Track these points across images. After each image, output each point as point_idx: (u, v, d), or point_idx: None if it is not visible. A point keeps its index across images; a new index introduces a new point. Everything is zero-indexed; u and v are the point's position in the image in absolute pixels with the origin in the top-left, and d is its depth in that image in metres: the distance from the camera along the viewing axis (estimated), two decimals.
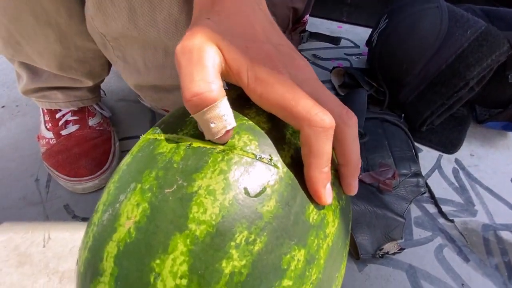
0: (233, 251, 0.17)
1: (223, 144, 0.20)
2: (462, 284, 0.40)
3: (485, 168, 0.55)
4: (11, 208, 0.45)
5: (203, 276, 0.16)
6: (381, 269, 0.41)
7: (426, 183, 0.50)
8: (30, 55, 0.41)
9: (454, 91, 0.50)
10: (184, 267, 0.16)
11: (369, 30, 0.80)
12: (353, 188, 0.21)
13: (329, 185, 0.20)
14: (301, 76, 0.19)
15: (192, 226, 0.17)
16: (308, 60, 0.80)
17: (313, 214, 0.20)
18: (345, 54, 0.84)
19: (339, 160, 0.21)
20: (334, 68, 0.71)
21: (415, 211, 0.48)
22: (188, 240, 0.17)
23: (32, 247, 0.41)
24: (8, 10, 0.35)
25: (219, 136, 0.18)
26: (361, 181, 0.46)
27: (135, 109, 0.62)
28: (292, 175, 0.20)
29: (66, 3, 0.38)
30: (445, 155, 0.56)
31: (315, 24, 0.95)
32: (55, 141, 0.48)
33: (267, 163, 0.19)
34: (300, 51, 0.83)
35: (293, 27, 0.72)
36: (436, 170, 0.54)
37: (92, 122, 0.50)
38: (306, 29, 0.81)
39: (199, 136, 0.20)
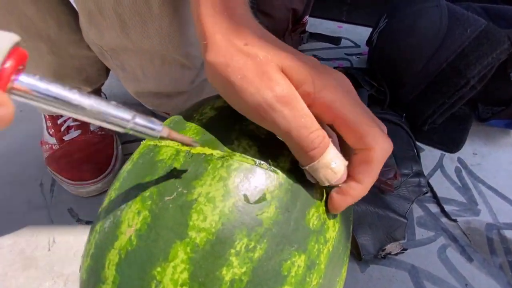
0: (233, 258, 0.17)
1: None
2: (466, 284, 0.40)
3: (488, 166, 0.54)
4: (16, 212, 0.46)
5: (204, 284, 0.17)
6: (384, 270, 0.41)
7: (428, 183, 0.50)
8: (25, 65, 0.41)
9: (455, 90, 0.50)
10: (185, 275, 0.17)
11: (370, 30, 0.79)
12: (343, 208, 0.20)
13: None
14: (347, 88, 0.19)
15: (192, 233, 0.17)
16: None
17: (313, 219, 0.20)
18: (345, 54, 0.83)
19: (356, 177, 0.20)
20: (334, 68, 0.71)
21: (417, 211, 0.47)
22: (188, 248, 0.17)
23: (37, 250, 0.42)
24: None
25: (341, 173, 0.18)
26: None
27: (136, 110, 0.62)
28: (291, 181, 0.20)
29: (54, 14, 0.38)
30: (447, 154, 0.56)
31: (314, 24, 0.95)
32: (58, 147, 0.48)
33: (267, 169, 0.19)
34: (300, 51, 0.83)
35: (293, 28, 0.72)
36: (439, 170, 0.53)
37: (93, 126, 0.51)
38: (306, 29, 0.81)
39: (199, 141, 0.20)
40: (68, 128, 0.49)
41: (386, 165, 0.47)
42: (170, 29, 0.35)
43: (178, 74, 0.42)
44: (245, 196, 0.18)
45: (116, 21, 0.34)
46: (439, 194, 0.49)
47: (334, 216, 0.21)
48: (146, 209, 0.18)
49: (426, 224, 0.46)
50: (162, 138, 0.17)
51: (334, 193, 0.20)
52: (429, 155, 0.56)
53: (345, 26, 0.96)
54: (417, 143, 0.55)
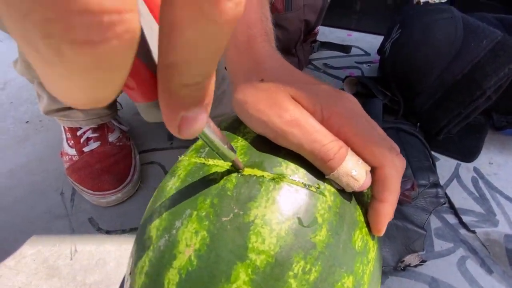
0: (292, 281, 0.17)
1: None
2: None
3: (505, 176, 0.54)
4: (38, 222, 0.47)
5: None
6: (403, 282, 0.41)
7: (446, 193, 0.49)
8: None
9: (471, 100, 0.50)
10: None
11: (379, 37, 0.80)
12: (382, 228, 0.21)
13: None
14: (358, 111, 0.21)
15: (252, 255, 0.17)
16: (319, 69, 0.81)
17: (358, 241, 0.20)
18: (356, 62, 0.84)
19: (377, 196, 0.21)
20: (346, 77, 0.71)
21: (435, 222, 0.47)
22: (249, 270, 0.17)
23: (59, 260, 0.42)
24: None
25: (363, 179, 0.19)
26: None
27: (152, 123, 0.64)
28: (338, 203, 0.20)
29: None
30: (463, 164, 0.56)
31: (324, 33, 0.96)
32: (77, 158, 0.50)
33: (316, 192, 0.20)
34: (311, 60, 0.84)
35: (305, 38, 0.72)
36: (455, 180, 0.53)
37: (112, 138, 0.52)
38: (316, 38, 0.82)
39: (248, 163, 0.21)
40: (88, 139, 0.51)
41: (403, 176, 0.47)
42: None
43: None
44: (299, 219, 0.19)
45: None
46: (456, 205, 0.49)
47: (373, 237, 0.22)
48: (203, 229, 0.18)
49: (444, 236, 0.46)
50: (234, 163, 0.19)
51: (370, 217, 0.21)
52: (445, 165, 0.55)
53: (355, 34, 0.97)
54: (433, 152, 0.55)
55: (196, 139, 0.20)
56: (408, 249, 0.41)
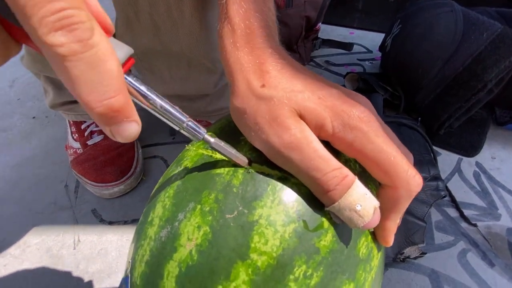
0: (292, 284, 0.17)
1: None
2: None
3: (508, 171, 0.54)
4: (43, 213, 0.48)
5: None
6: (403, 274, 0.41)
7: (447, 187, 0.49)
8: None
9: (472, 94, 0.50)
10: None
11: (381, 35, 0.80)
12: (389, 240, 0.20)
13: None
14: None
15: (254, 256, 0.17)
16: (321, 66, 0.81)
17: (362, 248, 0.20)
18: (358, 59, 0.84)
19: (383, 213, 0.19)
20: (347, 73, 0.71)
21: (436, 216, 0.47)
22: (250, 270, 0.17)
23: (63, 249, 0.43)
24: None
25: (369, 217, 0.17)
26: None
27: (155, 118, 0.64)
28: None
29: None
30: (465, 159, 0.55)
31: (326, 31, 0.96)
32: (82, 151, 0.51)
33: None
34: (312, 57, 0.84)
35: (306, 35, 0.73)
36: (456, 174, 0.53)
37: None
38: (318, 36, 0.82)
39: (256, 158, 0.20)
40: (91, 133, 0.52)
41: None
42: (199, 33, 0.38)
43: (203, 77, 0.44)
44: (305, 223, 0.18)
45: (150, 26, 0.36)
46: (457, 199, 0.49)
47: (378, 245, 0.21)
48: (206, 224, 0.18)
49: (445, 229, 0.45)
50: (213, 149, 0.18)
51: (376, 230, 0.20)
52: (446, 160, 0.55)
53: (357, 32, 0.97)
54: (434, 147, 0.55)
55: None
56: (408, 241, 0.41)
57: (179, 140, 0.60)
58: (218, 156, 0.21)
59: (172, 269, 0.18)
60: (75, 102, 0.49)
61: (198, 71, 0.43)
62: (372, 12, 0.96)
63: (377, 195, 0.18)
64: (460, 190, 0.50)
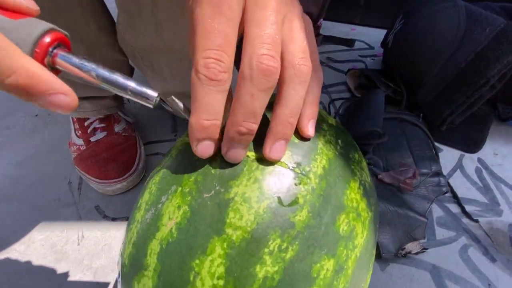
0: (267, 257, 0.18)
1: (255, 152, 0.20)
2: (489, 285, 0.40)
3: (510, 166, 0.53)
4: (47, 209, 0.48)
5: (239, 279, 0.18)
6: (404, 269, 0.41)
7: (448, 183, 0.49)
8: None
9: (475, 89, 0.49)
10: (221, 269, 0.18)
11: (383, 32, 0.80)
12: (274, 151, 0.19)
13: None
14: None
15: (229, 231, 0.18)
16: (322, 63, 0.81)
17: (343, 225, 0.20)
18: (359, 56, 0.84)
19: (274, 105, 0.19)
20: (349, 70, 0.71)
21: (437, 211, 0.47)
22: (225, 244, 0.18)
23: (67, 245, 0.44)
24: None
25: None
26: (381, 181, 0.46)
27: (157, 115, 0.65)
28: (324, 186, 0.20)
29: (97, 17, 0.41)
30: (467, 155, 0.55)
31: (328, 27, 0.96)
32: (85, 147, 0.51)
33: (300, 173, 0.20)
34: None
35: None
36: (458, 170, 0.53)
37: (117, 128, 0.53)
38: (320, 32, 0.82)
39: None
40: (94, 129, 0.52)
41: (404, 165, 0.47)
42: None
43: None
44: (279, 199, 0.19)
45: (152, 23, 0.36)
46: (459, 195, 0.49)
47: (364, 224, 0.22)
48: (186, 204, 0.19)
49: (446, 224, 0.46)
50: (163, 105, 0.19)
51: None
52: (448, 156, 0.55)
53: (359, 28, 0.97)
54: (436, 143, 0.55)
55: None
56: (409, 236, 0.41)
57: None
58: None
59: (154, 247, 0.19)
60: (79, 99, 0.49)
61: None
62: (374, 8, 0.96)
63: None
64: (462, 186, 0.50)
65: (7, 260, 0.42)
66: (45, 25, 0.15)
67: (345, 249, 0.20)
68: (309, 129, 0.21)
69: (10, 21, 0.14)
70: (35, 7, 0.15)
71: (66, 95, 0.15)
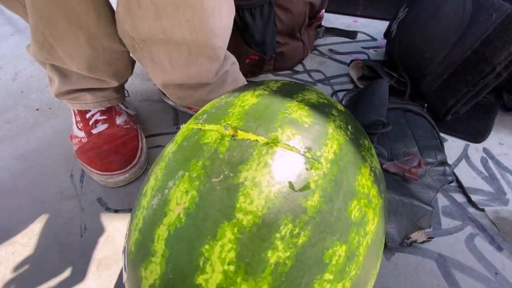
0: (278, 242, 0.17)
1: (266, 137, 0.20)
2: (496, 273, 0.39)
3: None
4: (49, 202, 0.48)
5: (250, 264, 0.17)
6: (410, 258, 0.41)
7: (453, 172, 0.49)
8: (62, 57, 0.43)
9: (481, 77, 0.49)
10: (232, 254, 0.17)
11: (385, 23, 0.79)
12: None
13: None
14: None
15: (239, 215, 0.18)
16: (324, 55, 0.80)
17: (355, 211, 0.20)
18: (362, 47, 0.83)
19: None
20: (352, 61, 0.70)
21: (442, 201, 0.47)
22: (235, 229, 0.17)
23: (70, 236, 0.44)
24: (43, 15, 0.38)
25: None
26: (385, 171, 0.46)
27: (158, 108, 0.64)
28: (335, 171, 0.20)
29: (96, 5, 0.40)
30: (472, 145, 0.55)
31: (330, 19, 0.95)
32: (86, 140, 0.51)
33: (311, 158, 0.20)
34: (316, 46, 0.83)
35: (309, 22, 0.72)
36: (463, 160, 0.52)
37: (119, 120, 0.53)
38: (322, 24, 0.81)
39: (243, 127, 0.21)
40: (96, 122, 0.52)
41: (409, 154, 0.47)
42: (200, 19, 0.37)
43: (204, 65, 0.43)
44: (290, 184, 0.19)
45: (151, 11, 0.36)
46: (464, 184, 0.48)
47: (375, 211, 0.21)
48: (194, 189, 0.19)
49: (452, 214, 0.45)
50: None
51: None
52: (453, 145, 0.54)
53: (361, 20, 0.96)
54: (441, 133, 0.54)
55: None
56: (415, 225, 0.41)
57: None
58: (207, 127, 0.22)
59: (162, 232, 0.19)
60: (80, 90, 0.49)
61: (199, 59, 0.42)
62: (376, 0, 0.94)
63: None
64: (467, 176, 0.50)
65: (10, 252, 0.42)
66: None
67: (356, 235, 0.20)
68: None
69: None
70: None
71: None
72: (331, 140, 0.21)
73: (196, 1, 0.35)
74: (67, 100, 0.51)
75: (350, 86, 0.68)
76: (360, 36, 0.86)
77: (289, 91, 0.25)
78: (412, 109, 0.54)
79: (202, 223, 0.18)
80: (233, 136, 0.20)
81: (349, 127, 0.24)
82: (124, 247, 0.23)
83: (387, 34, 0.71)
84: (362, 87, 0.65)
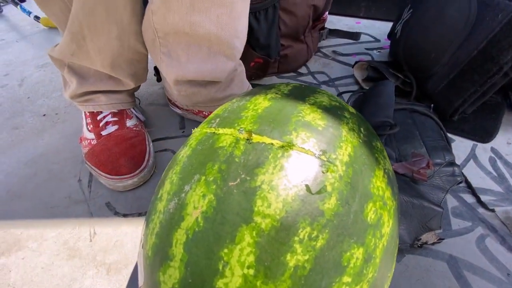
0: (297, 246, 0.17)
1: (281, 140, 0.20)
2: (508, 274, 0.39)
3: None
4: (58, 207, 0.48)
5: (269, 268, 0.17)
6: (420, 260, 0.40)
7: (462, 173, 0.48)
8: (90, 50, 0.44)
9: (488, 77, 0.48)
10: (251, 258, 0.17)
11: (388, 24, 0.79)
12: None
13: None
14: None
15: (258, 219, 0.18)
16: (328, 56, 0.81)
17: (371, 213, 0.20)
18: (365, 49, 0.83)
19: None
20: (356, 62, 0.70)
21: (451, 202, 0.46)
22: (254, 232, 0.17)
23: (79, 241, 0.44)
24: (86, 4, 0.39)
25: None
26: (394, 172, 0.45)
27: (164, 112, 0.65)
28: (350, 174, 0.20)
29: (134, 1, 0.41)
30: (480, 144, 0.54)
31: (332, 21, 0.95)
32: (96, 141, 0.51)
33: (326, 161, 0.20)
34: (319, 48, 0.84)
35: (313, 25, 0.72)
36: (471, 160, 0.52)
37: (129, 123, 0.53)
38: (325, 26, 0.81)
39: (257, 131, 0.21)
40: (106, 123, 0.52)
41: (417, 155, 0.47)
42: (229, 17, 0.39)
43: (220, 64, 0.44)
44: (307, 187, 0.19)
45: (187, 3, 0.37)
46: (473, 185, 0.48)
47: (389, 213, 0.21)
48: (211, 192, 0.19)
49: (462, 215, 0.45)
50: None
51: None
52: (461, 146, 0.54)
53: (364, 21, 0.96)
54: (448, 134, 0.54)
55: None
56: (425, 227, 0.41)
57: (189, 133, 0.60)
58: (221, 131, 0.22)
59: (180, 236, 0.19)
60: (95, 92, 0.50)
61: (217, 57, 0.44)
62: (378, 1, 0.95)
63: None
64: (476, 176, 0.49)
65: (20, 258, 0.42)
66: None
67: (373, 238, 0.20)
68: None
69: None
70: None
71: None
72: (345, 143, 0.21)
73: (229, 0, 0.37)
74: (80, 102, 0.52)
75: (355, 88, 0.68)
76: (363, 37, 0.87)
77: (300, 94, 0.25)
78: (419, 110, 0.54)
79: (221, 227, 0.18)
80: (247, 139, 0.20)
81: (362, 129, 0.24)
82: (140, 251, 0.23)
83: (391, 35, 0.71)
84: (367, 88, 0.65)
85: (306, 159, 0.19)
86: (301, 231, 0.18)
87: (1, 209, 0.48)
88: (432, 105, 0.57)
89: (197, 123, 0.61)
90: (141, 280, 0.22)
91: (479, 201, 0.46)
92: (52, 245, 0.44)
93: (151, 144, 0.55)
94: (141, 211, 0.47)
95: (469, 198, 0.47)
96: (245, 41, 0.47)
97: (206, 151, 0.21)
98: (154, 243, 0.20)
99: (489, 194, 0.47)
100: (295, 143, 0.20)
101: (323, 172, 0.19)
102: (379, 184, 0.21)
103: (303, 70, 0.76)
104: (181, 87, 0.48)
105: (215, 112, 0.26)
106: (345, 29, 0.87)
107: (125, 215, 0.47)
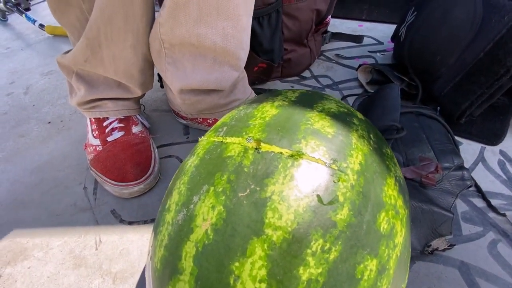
0: (310, 259, 0.17)
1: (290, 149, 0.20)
2: None
3: None
4: (63, 215, 0.48)
5: (282, 282, 0.17)
6: (431, 267, 0.39)
7: (471, 177, 0.48)
8: (104, 57, 0.44)
9: (495, 79, 0.48)
10: (263, 272, 0.17)
11: (391, 26, 0.79)
12: None
13: None
14: None
15: (269, 231, 0.17)
16: (331, 60, 0.80)
17: (383, 223, 0.19)
18: (369, 51, 0.83)
19: None
20: (360, 65, 0.70)
21: (461, 206, 0.46)
22: (265, 245, 0.17)
23: (85, 250, 0.43)
24: (105, 12, 0.39)
25: None
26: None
27: (168, 119, 0.65)
28: (362, 183, 0.19)
29: (149, 12, 0.42)
30: (488, 147, 0.54)
31: (335, 24, 0.95)
32: (101, 148, 0.51)
33: (338, 170, 0.19)
34: (322, 51, 0.83)
35: (316, 29, 0.72)
36: (480, 163, 0.51)
37: (135, 129, 0.54)
38: (328, 29, 0.81)
39: (266, 139, 0.20)
40: (112, 130, 0.52)
41: (425, 159, 0.46)
42: (233, 30, 0.39)
43: (225, 73, 0.45)
44: (319, 197, 0.18)
45: (194, 16, 0.38)
46: (483, 188, 0.47)
47: (402, 222, 0.21)
48: (220, 204, 0.19)
49: (472, 219, 0.44)
50: None
51: None
52: (469, 149, 0.54)
53: (366, 24, 0.96)
54: (455, 137, 0.53)
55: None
56: (435, 233, 0.40)
57: (193, 139, 0.60)
58: (229, 140, 0.21)
59: (189, 249, 0.18)
60: (103, 99, 0.51)
61: (222, 67, 0.44)
62: (381, 4, 0.95)
63: None
64: (485, 180, 0.49)
65: (26, 267, 0.42)
66: None
67: (386, 248, 0.19)
68: None
69: None
70: None
71: None
72: (355, 151, 0.21)
73: (235, 13, 0.38)
74: (86, 109, 0.52)
75: (359, 91, 0.68)
76: (366, 40, 0.86)
77: (308, 101, 0.24)
78: (425, 113, 0.53)
79: (231, 239, 0.17)
80: (256, 149, 0.20)
81: (371, 136, 0.24)
82: (148, 263, 0.22)
83: (394, 38, 0.71)
84: (372, 91, 0.65)
85: (317, 169, 0.19)
86: (314, 243, 0.17)
87: (8, 218, 0.48)
88: (439, 107, 0.57)
89: (202, 130, 0.61)
90: None
91: (489, 205, 0.45)
92: (58, 253, 0.43)
93: (156, 150, 0.54)
94: (146, 219, 0.47)
95: (479, 202, 0.46)
96: (248, 53, 0.47)
97: (214, 160, 0.21)
98: (163, 256, 0.20)
99: (499, 198, 0.46)
100: (304, 152, 0.20)
101: (334, 182, 0.19)
102: (391, 193, 0.21)
103: (306, 74, 0.76)
104: (186, 95, 0.49)
105: (221, 120, 0.26)
106: (347, 32, 0.87)
107: (130, 223, 0.46)
